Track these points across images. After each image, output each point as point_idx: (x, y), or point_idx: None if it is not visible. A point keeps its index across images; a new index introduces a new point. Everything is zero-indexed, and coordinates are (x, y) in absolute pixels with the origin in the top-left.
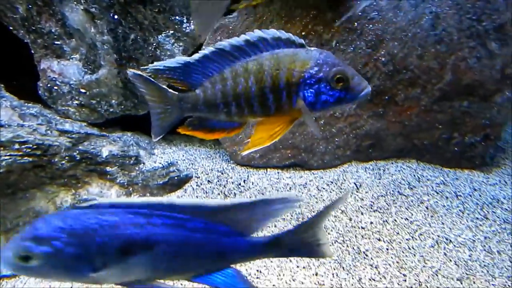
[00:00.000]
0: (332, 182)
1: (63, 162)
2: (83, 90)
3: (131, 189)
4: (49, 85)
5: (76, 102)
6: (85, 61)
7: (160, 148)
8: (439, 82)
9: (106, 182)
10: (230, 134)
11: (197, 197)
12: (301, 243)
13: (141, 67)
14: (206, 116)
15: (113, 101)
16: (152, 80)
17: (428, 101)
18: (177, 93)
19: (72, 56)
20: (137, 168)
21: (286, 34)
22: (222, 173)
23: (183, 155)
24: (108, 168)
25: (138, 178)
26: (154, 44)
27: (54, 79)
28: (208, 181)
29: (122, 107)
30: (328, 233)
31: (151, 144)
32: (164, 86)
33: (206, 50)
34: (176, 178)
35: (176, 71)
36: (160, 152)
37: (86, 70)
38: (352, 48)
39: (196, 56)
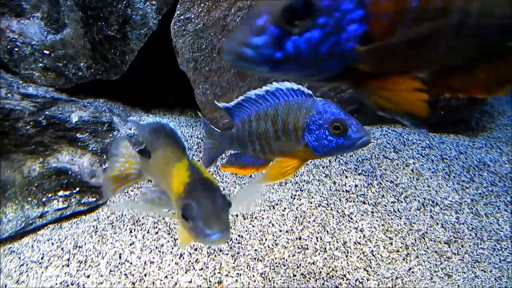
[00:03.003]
0: None
1: (28, 127)
2: (46, 52)
3: (104, 156)
4: (9, 47)
5: (41, 65)
6: (48, 19)
7: (137, 116)
8: None
9: (77, 149)
10: (259, 170)
11: None
12: None
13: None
14: (240, 151)
15: (82, 64)
16: (205, 121)
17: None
18: (219, 131)
19: (32, 14)
20: (110, 135)
21: (297, 85)
22: (202, 140)
23: None
24: (78, 135)
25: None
26: (124, 2)
27: (14, 39)
28: (188, 148)
29: (92, 70)
30: (312, 197)
31: (126, 111)
32: (212, 126)
33: (239, 98)
34: None
35: (227, 112)
36: (137, 119)
37: (49, 29)
38: None
39: (233, 102)
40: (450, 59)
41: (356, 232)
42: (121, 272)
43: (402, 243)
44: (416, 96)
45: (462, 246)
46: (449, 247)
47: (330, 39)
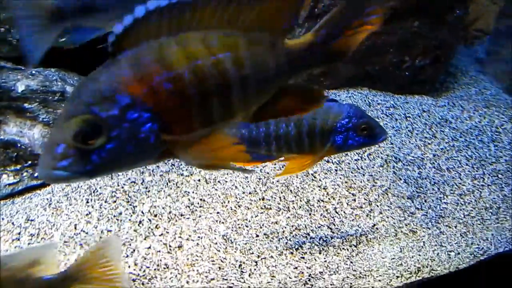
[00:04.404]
0: None
1: None
2: None
3: None
4: None
5: None
6: None
7: None
8: None
9: (26, 120)
10: (262, 163)
11: None
12: None
13: None
14: (249, 151)
15: None
16: None
17: None
18: None
19: None
20: (63, 104)
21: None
22: None
23: None
24: (26, 105)
25: None
26: None
27: None
28: None
29: None
30: None
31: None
32: None
33: None
34: None
35: None
36: None
37: None
38: None
39: None
40: (248, 105)
41: (319, 190)
42: (76, 242)
43: (365, 199)
44: (235, 149)
45: (425, 201)
46: (413, 202)
47: (132, 142)
